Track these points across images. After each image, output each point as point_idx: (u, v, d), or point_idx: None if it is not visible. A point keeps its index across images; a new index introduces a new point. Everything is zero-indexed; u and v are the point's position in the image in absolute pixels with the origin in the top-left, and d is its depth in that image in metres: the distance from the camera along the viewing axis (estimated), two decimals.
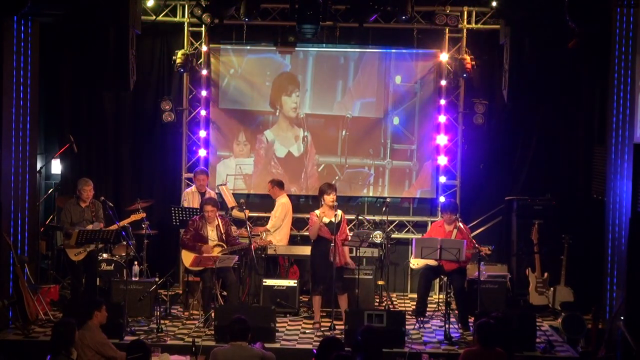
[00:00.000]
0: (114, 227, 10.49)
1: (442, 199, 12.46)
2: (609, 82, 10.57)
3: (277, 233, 11.60)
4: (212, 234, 10.57)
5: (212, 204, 10.64)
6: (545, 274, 11.43)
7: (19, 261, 10.36)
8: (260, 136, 12.70)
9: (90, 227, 10.52)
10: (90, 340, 7.88)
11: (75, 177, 11.63)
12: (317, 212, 10.35)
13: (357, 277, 10.53)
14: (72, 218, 10.65)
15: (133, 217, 11.15)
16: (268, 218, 11.91)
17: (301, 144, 12.67)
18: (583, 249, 11.54)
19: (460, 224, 10.58)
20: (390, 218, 12.16)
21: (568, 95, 12.20)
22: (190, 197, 11.80)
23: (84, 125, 12.72)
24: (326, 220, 10.23)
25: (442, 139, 12.59)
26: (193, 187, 11.94)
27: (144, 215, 11.25)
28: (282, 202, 11.70)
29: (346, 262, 10.40)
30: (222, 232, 10.58)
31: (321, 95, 12.72)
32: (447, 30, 12.36)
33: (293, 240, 12.16)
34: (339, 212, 10.41)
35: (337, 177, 12.61)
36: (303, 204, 12.75)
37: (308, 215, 12.36)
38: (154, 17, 12.19)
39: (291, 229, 12.08)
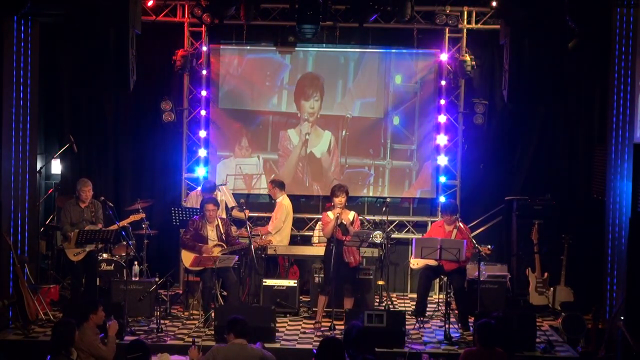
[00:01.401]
0: (114, 227, 10.50)
1: (442, 199, 12.46)
2: (609, 82, 10.57)
3: (277, 234, 11.59)
4: (211, 234, 10.57)
5: (213, 202, 10.66)
6: (545, 274, 11.43)
7: (19, 261, 10.37)
8: (283, 132, 12.68)
9: (88, 227, 10.53)
10: (82, 343, 7.87)
11: (75, 177, 11.62)
12: (328, 213, 10.38)
13: (357, 277, 10.56)
14: (71, 218, 10.65)
15: (132, 218, 11.15)
16: (268, 218, 11.90)
17: (306, 145, 12.65)
18: (583, 249, 11.54)
19: (460, 224, 10.58)
20: (390, 218, 12.15)
21: (568, 95, 12.18)
22: (194, 200, 11.77)
23: (84, 125, 12.72)
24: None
25: (442, 139, 12.59)
26: (198, 190, 11.91)
27: (143, 215, 11.24)
28: (283, 204, 11.68)
29: (358, 263, 10.42)
30: (222, 232, 10.59)
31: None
32: (447, 30, 12.36)
33: (293, 240, 12.15)
34: (352, 213, 10.41)
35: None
36: (303, 204, 12.75)
37: (309, 216, 12.46)
38: (154, 17, 12.19)
39: (291, 230, 12.06)
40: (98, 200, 10.76)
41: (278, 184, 11.79)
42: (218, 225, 10.59)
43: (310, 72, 12.72)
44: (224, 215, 11.28)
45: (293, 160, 12.70)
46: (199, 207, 11.36)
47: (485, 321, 7.67)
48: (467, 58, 12.08)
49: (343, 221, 10.17)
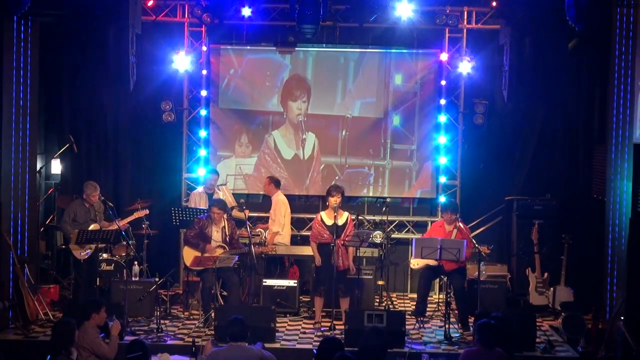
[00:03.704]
0: (114, 226, 10.50)
1: (442, 199, 12.46)
2: (609, 82, 10.57)
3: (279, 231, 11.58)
4: (216, 235, 10.56)
5: (219, 206, 10.60)
6: (545, 274, 11.43)
7: (19, 261, 10.37)
8: (267, 136, 12.68)
9: (92, 227, 10.54)
10: (84, 340, 7.88)
11: (75, 177, 11.63)
12: (322, 213, 10.38)
13: (357, 277, 10.55)
14: (77, 217, 10.68)
15: (136, 215, 11.13)
16: (268, 218, 11.88)
17: (301, 147, 12.65)
18: (583, 249, 11.55)
19: (460, 224, 10.58)
20: (390, 218, 12.16)
21: (568, 95, 12.20)
22: (197, 199, 11.71)
23: (84, 125, 12.71)
24: (329, 222, 10.24)
25: (442, 139, 12.59)
26: (201, 188, 11.86)
27: (147, 212, 11.23)
28: (280, 200, 11.64)
29: (348, 266, 10.40)
30: (227, 234, 10.58)
31: (321, 95, 12.72)
32: (447, 30, 12.36)
33: (293, 240, 12.13)
34: (346, 214, 10.42)
35: (337, 177, 12.60)
36: (303, 204, 12.74)
37: (308, 216, 12.45)
38: (154, 17, 12.20)
39: (291, 229, 12.05)
40: (98, 200, 10.78)
41: (275, 181, 11.74)
42: (224, 227, 10.58)
43: (297, 75, 12.69)
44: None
45: (289, 161, 12.70)
46: (201, 206, 11.36)
47: (485, 321, 7.66)
48: (467, 58, 12.09)
49: (336, 222, 10.18)
